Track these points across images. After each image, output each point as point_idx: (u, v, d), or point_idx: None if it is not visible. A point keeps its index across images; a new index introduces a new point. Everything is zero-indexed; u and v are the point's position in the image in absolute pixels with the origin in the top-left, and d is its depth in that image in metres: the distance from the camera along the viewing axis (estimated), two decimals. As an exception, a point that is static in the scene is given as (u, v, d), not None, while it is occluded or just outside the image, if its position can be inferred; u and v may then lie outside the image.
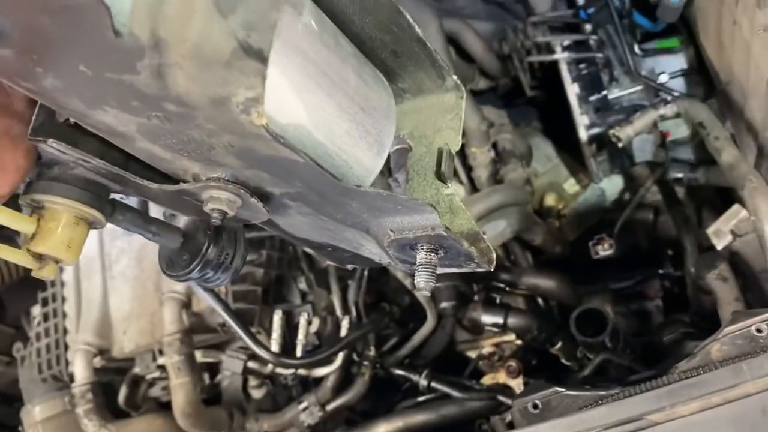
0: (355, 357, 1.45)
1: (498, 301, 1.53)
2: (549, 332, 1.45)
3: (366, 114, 0.54)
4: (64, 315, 1.52)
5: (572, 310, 1.39)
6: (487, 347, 1.56)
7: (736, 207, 1.24)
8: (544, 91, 1.86)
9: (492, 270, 0.62)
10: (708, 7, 1.30)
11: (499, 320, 1.45)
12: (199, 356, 1.44)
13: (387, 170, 0.62)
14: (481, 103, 1.74)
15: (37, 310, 1.60)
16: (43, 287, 1.59)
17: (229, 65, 0.38)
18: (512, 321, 1.45)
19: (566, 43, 1.63)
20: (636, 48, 1.51)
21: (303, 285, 1.50)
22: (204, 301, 1.33)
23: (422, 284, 0.57)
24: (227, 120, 0.41)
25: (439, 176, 0.62)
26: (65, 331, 1.50)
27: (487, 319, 1.45)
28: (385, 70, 0.60)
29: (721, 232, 1.27)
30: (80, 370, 1.42)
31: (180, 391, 1.32)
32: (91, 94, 0.43)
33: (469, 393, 1.39)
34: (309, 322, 1.41)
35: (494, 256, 0.62)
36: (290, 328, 1.43)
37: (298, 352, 1.36)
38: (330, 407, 1.43)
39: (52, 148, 0.50)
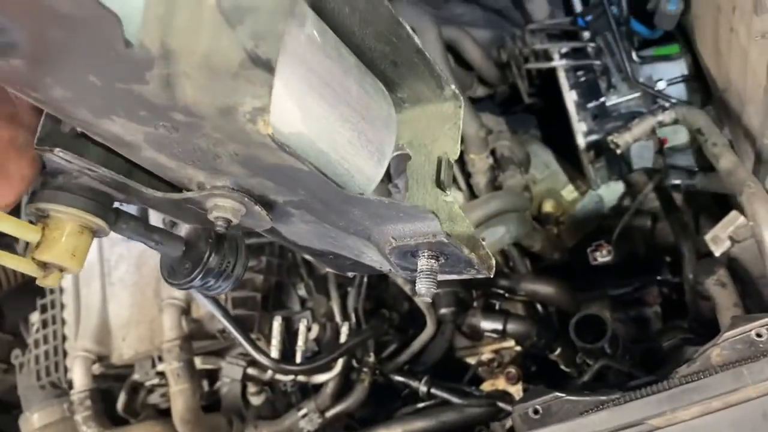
0: (354, 363, 1.45)
1: (497, 307, 1.54)
2: (548, 338, 1.45)
3: (367, 123, 0.55)
4: (63, 322, 1.51)
5: (571, 316, 1.40)
6: (486, 353, 1.56)
7: (733, 213, 1.25)
8: (542, 98, 1.87)
9: (491, 276, 0.63)
10: (705, 15, 1.31)
11: (499, 326, 1.45)
12: (199, 363, 1.44)
13: (387, 176, 0.62)
14: (479, 110, 1.75)
15: (35, 317, 1.59)
16: (41, 294, 1.59)
17: (237, 75, 0.38)
18: (511, 327, 1.45)
19: (564, 50, 1.64)
20: (634, 55, 1.52)
21: (302, 291, 1.50)
22: (204, 307, 1.33)
23: (424, 290, 0.58)
24: (234, 129, 0.41)
25: (439, 184, 0.62)
26: (64, 338, 1.50)
27: (487, 325, 1.45)
28: (385, 80, 0.61)
29: (719, 239, 1.27)
30: (79, 377, 1.41)
31: (179, 397, 1.32)
32: (99, 104, 0.43)
33: (468, 399, 1.39)
34: (308, 329, 1.41)
35: (494, 262, 0.62)
36: (289, 335, 1.44)
37: (298, 359, 1.36)
38: (329, 414, 1.43)
39: (57, 157, 0.51)
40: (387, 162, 0.59)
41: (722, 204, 1.65)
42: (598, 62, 1.57)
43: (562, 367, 1.52)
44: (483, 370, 1.55)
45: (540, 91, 1.86)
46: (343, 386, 1.42)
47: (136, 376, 1.47)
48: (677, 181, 1.63)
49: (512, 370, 1.49)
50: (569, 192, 1.86)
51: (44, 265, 0.56)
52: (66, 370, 1.47)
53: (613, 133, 1.46)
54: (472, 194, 1.63)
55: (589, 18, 1.55)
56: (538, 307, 1.61)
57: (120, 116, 0.43)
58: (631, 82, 1.52)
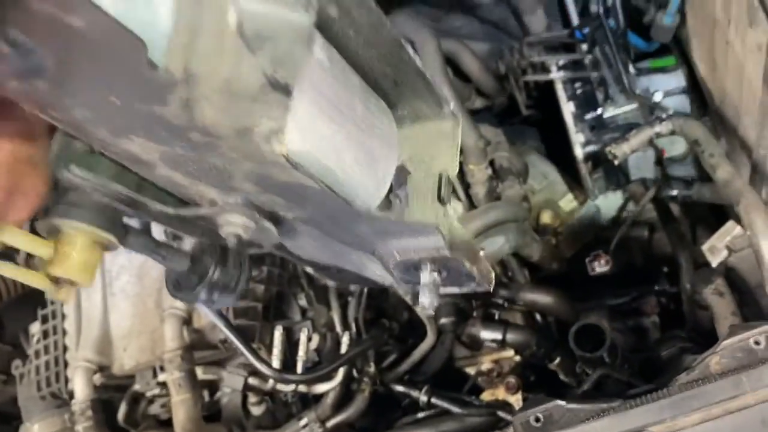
0: (354, 373, 1.45)
1: (497, 317, 1.55)
2: (548, 348, 1.46)
3: (372, 142, 0.56)
4: (64, 332, 1.52)
5: (570, 326, 1.41)
6: (486, 363, 1.57)
7: (730, 223, 1.26)
8: (540, 109, 1.89)
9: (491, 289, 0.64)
10: (701, 28, 1.33)
11: (498, 336, 1.46)
12: (200, 373, 1.44)
13: (388, 191, 0.64)
14: (477, 121, 1.77)
15: (35, 328, 1.60)
16: (42, 304, 1.59)
17: (256, 99, 0.39)
18: (511, 337, 1.46)
19: (561, 62, 1.66)
20: (630, 67, 1.54)
21: (303, 301, 1.50)
22: (205, 317, 1.33)
23: (427, 303, 0.59)
24: (249, 149, 0.43)
25: (440, 199, 0.64)
26: (65, 349, 1.50)
27: (486, 334, 1.46)
28: (386, 99, 0.63)
29: (715, 249, 1.28)
30: (80, 388, 1.41)
31: (181, 407, 1.32)
32: (119, 124, 0.44)
33: (468, 409, 1.40)
34: (309, 339, 1.42)
35: (493, 276, 0.64)
36: (290, 345, 1.44)
37: (299, 369, 1.36)
38: (330, 424, 1.43)
39: (72, 174, 0.52)
40: (391, 178, 0.60)
41: (719, 214, 1.67)
42: (595, 74, 1.59)
43: (561, 377, 1.53)
44: (482, 379, 1.56)
45: (537, 103, 1.88)
46: (343, 396, 1.43)
47: (137, 387, 1.48)
48: (674, 192, 1.64)
49: (512, 379, 1.50)
50: (567, 202, 1.87)
51: (56, 280, 0.57)
52: (67, 380, 1.47)
53: (611, 144, 1.47)
54: (471, 204, 1.64)
55: (586, 30, 1.57)
56: (537, 317, 1.62)
57: (138, 136, 0.44)
58: (628, 94, 1.54)
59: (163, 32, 0.35)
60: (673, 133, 1.26)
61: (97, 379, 1.46)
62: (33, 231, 0.59)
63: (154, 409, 1.56)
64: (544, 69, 1.70)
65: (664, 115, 1.48)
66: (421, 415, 1.43)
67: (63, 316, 1.53)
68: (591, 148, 1.60)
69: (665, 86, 1.54)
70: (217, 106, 0.39)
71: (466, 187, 1.64)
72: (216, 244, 0.86)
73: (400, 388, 1.46)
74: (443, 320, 1.45)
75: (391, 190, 0.64)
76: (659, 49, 1.54)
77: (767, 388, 0.77)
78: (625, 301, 1.80)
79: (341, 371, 1.39)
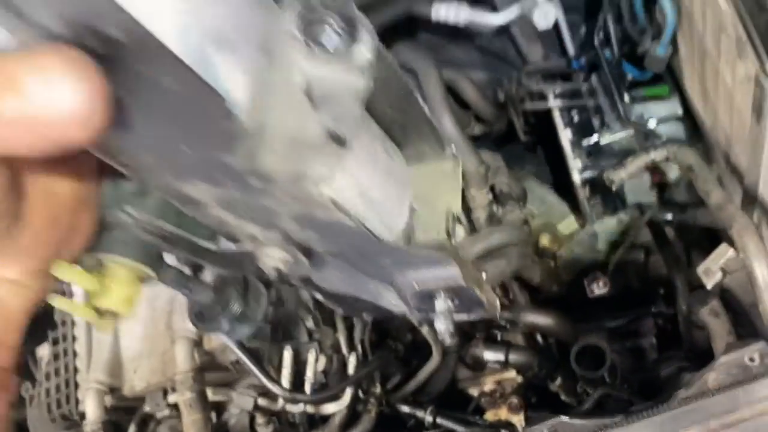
0: (361, 394, 1.48)
1: (499, 338, 1.58)
2: (549, 368, 1.50)
3: (392, 183, 0.61)
4: (75, 354, 1.54)
5: (570, 347, 1.44)
6: (488, 384, 1.60)
7: (723, 246, 1.31)
8: (537, 135, 1.95)
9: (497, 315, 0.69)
10: (692, 58, 1.39)
11: (501, 357, 1.50)
12: (209, 394, 1.47)
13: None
14: (476, 147, 1.82)
15: (45, 350, 1.62)
16: (52, 327, 1.62)
17: (315, 148, 0.43)
18: (513, 357, 1.50)
19: (559, 91, 1.72)
20: (626, 96, 1.60)
21: (310, 323, 1.54)
22: (217, 339, 1.37)
23: (443, 329, 0.63)
24: (299, 192, 0.46)
25: (448, 235, 0.68)
26: (76, 370, 1.53)
27: (489, 355, 1.50)
28: (394, 141, 0.67)
29: (710, 271, 1.33)
30: (92, 409, 1.44)
31: (192, 428, 1.35)
32: (184, 170, 0.47)
33: (473, 428, 1.43)
34: (316, 360, 1.45)
35: (498, 303, 0.68)
36: (297, 366, 1.47)
37: (307, 389, 1.39)
38: (337, 444, 1.45)
39: (125, 214, 0.56)
40: (407, 214, 0.64)
41: (712, 238, 1.72)
42: (591, 102, 1.65)
43: (563, 397, 1.56)
44: (485, 400, 1.59)
45: (534, 129, 1.93)
46: (350, 417, 1.45)
47: (146, 408, 1.50)
48: (669, 216, 1.69)
49: (515, 399, 1.53)
50: (565, 226, 1.92)
51: (100, 311, 0.61)
52: (77, 402, 1.50)
53: (608, 169, 1.53)
54: (473, 228, 1.68)
55: (582, 60, 1.63)
56: (538, 338, 1.66)
57: (200, 180, 0.48)
58: (623, 121, 1.60)
59: (240, 87, 0.39)
60: (667, 159, 1.31)
61: (108, 400, 1.49)
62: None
63: (163, 430, 1.58)
64: (542, 97, 1.76)
65: (658, 142, 1.54)
66: (426, 435, 1.47)
67: (74, 338, 1.56)
68: (588, 173, 1.66)
69: (659, 113, 1.60)
70: (280, 154, 0.42)
71: (468, 211, 1.69)
72: (239, 276, 0.90)
73: (405, 409, 1.49)
74: (446, 344, 1.48)
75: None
76: (653, 78, 1.60)
77: (762, 402, 0.81)
78: (623, 323, 1.85)
79: (349, 392, 1.42)
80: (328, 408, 1.46)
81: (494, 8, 1.63)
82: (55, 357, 1.58)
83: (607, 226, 1.93)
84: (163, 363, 1.46)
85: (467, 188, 1.65)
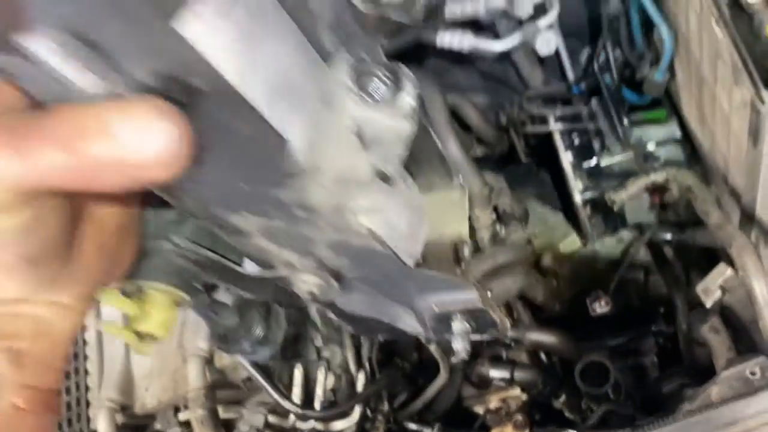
0: (368, 413, 1.51)
1: (504, 356, 1.61)
2: (553, 386, 1.53)
3: (411, 212, 0.65)
4: (86, 372, 1.57)
5: (573, 364, 1.47)
6: (494, 402, 1.63)
7: (722, 266, 1.35)
8: (538, 157, 2.00)
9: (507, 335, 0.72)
10: (689, 84, 1.44)
11: (506, 375, 1.53)
12: (220, 412, 1.49)
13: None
14: (479, 168, 1.86)
15: (56, 370, 1.64)
16: (63, 346, 1.64)
17: (361, 185, 0.47)
18: (519, 375, 1.53)
19: (559, 114, 1.77)
20: (625, 119, 1.65)
21: (318, 342, 1.56)
22: (229, 357, 1.39)
23: (461, 349, 0.67)
24: (340, 222, 0.50)
25: (458, 261, 0.72)
26: (87, 389, 1.55)
27: (495, 373, 1.53)
28: (407, 171, 0.72)
29: (709, 290, 1.37)
30: (103, 427, 1.46)
31: (204, 445, 1.37)
32: (236, 203, 0.50)
33: (480, 445, 1.46)
34: (325, 378, 1.48)
35: (508, 323, 0.72)
36: (305, 384, 1.49)
37: (317, 407, 1.42)
38: (345, 461, 1.48)
39: (168, 242, 0.59)
40: (424, 240, 0.68)
41: (710, 257, 1.76)
42: (591, 126, 1.69)
43: (567, 414, 1.59)
44: (491, 417, 1.61)
45: (535, 151, 1.98)
46: (358, 434, 1.48)
47: (158, 426, 1.52)
48: (668, 236, 1.73)
49: (520, 417, 1.55)
50: (566, 245, 1.96)
51: (140, 335, 0.64)
52: (89, 420, 1.52)
53: (608, 190, 1.57)
54: (477, 248, 1.72)
55: (583, 85, 1.68)
56: (542, 356, 1.69)
57: (249, 212, 0.51)
58: (623, 144, 1.65)
59: (299, 133, 0.43)
60: (667, 181, 1.36)
61: (119, 418, 1.51)
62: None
63: (172, 448, 1.60)
64: (543, 121, 1.81)
65: (657, 164, 1.59)
66: (433, 452, 1.49)
67: (85, 357, 1.59)
68: (589, 194, 1.70)
69: (658, 137, 1.65)
70: (328, 189, 0.46)
71: (472, 231, 1.73)
72: (262, 300, 0.94)
73: (412, 426, 1.51)
74: (454, 359, 1.51)
75: None
76: (652, 103, 1.65)
77: (764, 414, 0.85)
78: (624, 341, 1.88)
79: (358, 409, 1.44)
80: (337, 425, 1.48)
81: (497, 35, 1.68)
82: (67, 375, 1.60)
83: (608, 245, 1.98)
84: (174, 381, 1.49)
85: (471, 209, 1.69)
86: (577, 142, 1.73)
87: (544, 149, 1.92)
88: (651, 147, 1.63)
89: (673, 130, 1.64)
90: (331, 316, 0.78)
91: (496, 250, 1.57)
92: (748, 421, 0.84)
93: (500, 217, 1.73)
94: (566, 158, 1.74)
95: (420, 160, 0.68)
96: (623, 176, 1.62)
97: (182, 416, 1.49)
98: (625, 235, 1.89)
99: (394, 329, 0.76)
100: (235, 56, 0.36)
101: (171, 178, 0.37)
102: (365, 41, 0.48)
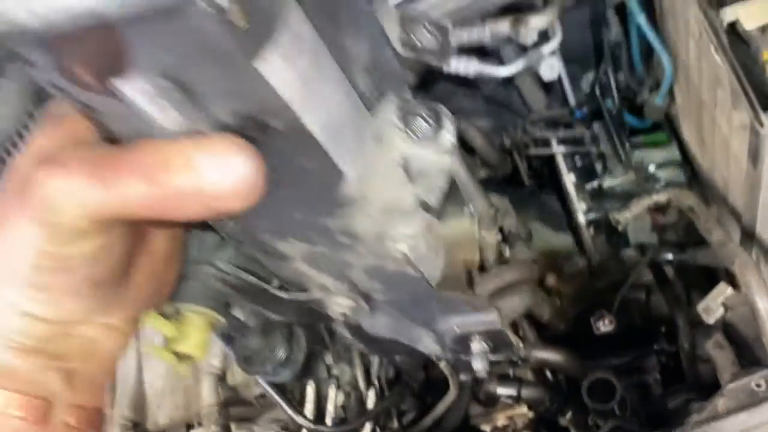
0: (378, 430, 1.53)
1: (511, 374, 1.64)
2: (560, 403, 1.55)
3: (434, 239, 0.68)
4: (100, 391, 1.58)
5: (578, 382, 1.50)
6: (500, 420, 1.65)
7: (722, 285, 1.39)
8: (541, 178, 2.04)
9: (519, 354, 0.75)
10: (689, 108, 1.49)
11: (514, 392, 1.55)
12: (233, 429, 1.51)
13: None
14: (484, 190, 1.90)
15: (67, 389, 1.66)
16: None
17: (405, 214, 0.51)
18: (526, 393, 1.55)
19: (562, 137, 1.82)
20: (626, 143, 1.70)
21: (329, 360, 1.59)
22: (243, 375, 1.42)
23: (480, 368, 0.70)
24: (380, 248, 0.53)
25: (470, 285, 0.75)
26: (100, 407, 1.57)
27: (503, 391, 1.55)
28: None
29: (710, 309, 1.41)
30: (117, 444, 1.48)
31: (217, 461, 1.39)
32: (286, 231, 0.53)
33: (488, 462, 1.48)
34: (336, 395, 1.50)
35: (521, 344, 0.75)
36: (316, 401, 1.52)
37: (328, 423, 1.44)
38: (355, 478, 1.49)
39: (212, 266, 0.62)
40: (441, 267, 0.71)
41: (710, 277, 1.80)
42: (594, 148, 1.74)
43: (573, 431, 1.61)
44: (498, 435, 1.64)
45: (537, 173, 2.03)
46: (368, 452, 1.50)
47: (170, 443, 1.54)
48: (669, 256, 1.77)
49: (527, 434, 1.58)
50: (569, 266, 2.00)
51: (178, 355, 0.67)
52: (102, 438, 1.53)
53: (611, 211, 1.62)
54: (482, 268, 1.75)
55: (585, 109, 1.73)
56: (548, 373, 1.72)
57: (296, 239, 0.54)
58: (624, 166, 1.69)
59: (353, 166, 0.46)
60: (669, 201, 1.40)
61: (131, 436, 1.53)
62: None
63: (184, 466, 1.61)
64: (546, 143, 1.85)
65: (658, 186, 1.64)
66: (442, 469, 1.51)
67: (98, 376, 1.61)
68: (592, 215, 1.74)
69: (658, 159, 1.69)
70: (373, 218, 0.50)
71: (479, 251, 1.76)
72: (286, 322, 0.96)
73: (421, 443, 1.53)
74: (463, 376, 1.54)
75: None
76: (652, 126, 1.70)
77: (769, 424, 0.88)
78: (627, 360, 1.91)
79: (368, 426, 1.47)
80: (348, 442, 1.50)
81: (500, 60, 1.73)
82: (79, 394, 1.62)
83: (609, 265, 2.01)
84: (187, 398, 1.51)
85: (478, 229, 1.73)
86: (579, 164, 1.78)
87: (546, 171, 1.97)
88: (652, 169, 1.68)
89: (673, 152, 1.68)
90: (350, 337, 0.81)
91: (502, 269, 1.60)
92: (754, 431, 0.87)
93: (505, 238, 1.77)
94: (569, 180, 1.78)
95: None
96: (625, 197, 1.66)
97: (195, 433, 1.51)
98: (628, 255, 1.93)
99: (413, 351, 0.78)
100: (303, 97, 0.40)
101: (244, 208, 0.41)
102: (397, 81, 0.52)
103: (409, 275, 0.58)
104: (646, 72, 1.58)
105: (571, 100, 1.84)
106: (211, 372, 1.47)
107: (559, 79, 1.79)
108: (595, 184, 1.75)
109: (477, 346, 0.70)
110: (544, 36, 1.62)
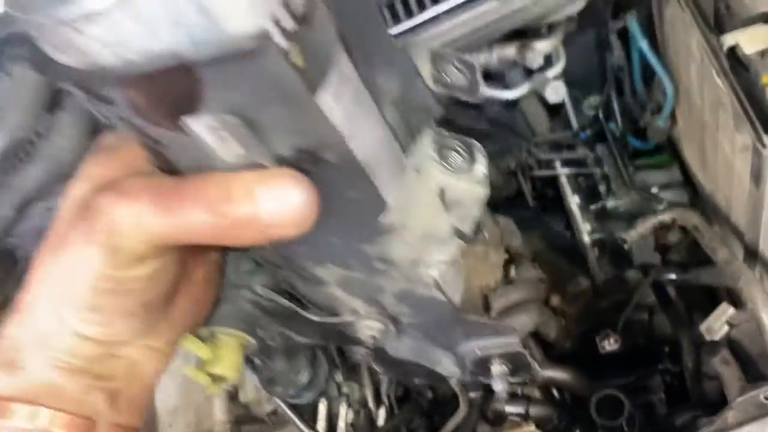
0: (387, 448, 1.54)
1: (519, 392, 1.65)
2: (568, 421, 1.56)
3: (458, 264, 0.71)
4: (111, 410, 1.59)
5: (585, 400, 1.51)
6: (508, 438, 1.66)
7: (724, 305, 1.42)
8: (545, 200, 2.08)
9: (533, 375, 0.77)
10: (691, 130, 1.53)
11: (522, 410, 1.57)
12: (245, 446, 1.53)
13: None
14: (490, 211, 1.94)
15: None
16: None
17: (440, 242, 0.53)
18: (534, 411, 1.57)
19: (566, 159, 1.85)
20: (629, 164, 1.73)
21: (339, 378, 1.60)
22: (255, 392, 1.43)
23: (500, 389, 0.72)
24: (412, 273, 0.55)
25: (487, 309, 0.78)
26: (111, 426, 1.58)
27: (511, 409, 1.57)
28: None
29: (712, 329, 1.43)
30: (129, 462, 1.48)
31: (230, 478, 1.40)
32: (324, 256, 0.55)
33: (497, 480, 1.49)
34: (346, 412, 1.51)
35: (535, 365, 0.77)
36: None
37: (339, 440, 1.45)
38: (364, 497, 1.50)
39: (252, 292, 0.64)
40: (462, 291, 0.74)
41: (711, 298, 1.82)
42: (597, 170, 1.78)
43: (580, 450, 1.62)
44: (505, 454, 1.64)
45: (541, 194, 2.06)
46: (378, 469, 1.51)
47: (181, 461, 1.54)
48: (672, 276, 1.80)
49: (535, 452, 1.59)
50: (573, 286, 2.02)
51: (213, 377, 0.68)
52: (113, 456, 1.54)
53: (616, 231, 1.65)
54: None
55: (588, 132, 1.77)
56: (554, 392, 1.73)
57: (334, 264, 0.55)
58: (628, 187, 1.73)
59: (394, 195, 0.49)
60: (674, 221, 1.43)
61: (143, 455, 1.53)
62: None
63: (194, 485, 1.62)
64: (550, 165, 1.89)
65: (661, 206, 1.67)
66: (451, 487, 1.52)
67: (109, 395, 1.62)
68: (597, 235, 1.77)
69: (660, 180, 1.73)
70: (409, 246, 0.52)
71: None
72: (309, 345, 0.97)
73: (431, 461, 1.54)
74: (472, 394, 1.55)
75: None
76: (654, 148, 1.74)
77: (779, 435, 0.90)
78: (632, 380, 1.92)
79: (379, 444, 1.48)
80: (358, 460, 1.51)
81: (504, 83, 1.77)
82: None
83: (613, 284, 2.03)
84: (199, 416, 1.52)
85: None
86: (583, 185, 1.81)
87: (550, 192, 2.01)
88: (654, 190, 1.71)
89: (675, 174, 1.72)
90: (370, 359, 0.82)
91: (508, 289, 1.63)
92: (764, 441, 0.89)
93: (512, 258, 1.80)
94: (574, 201, 1.82)
95: None
96: (629, 218, 1.69)
97: (206, 452, 1.52)
98: (632, 275, 1.95)
99: (432, 373, 0.79)
100: (350, 131, 0.43)
101: (296, 236, 0.44)
102: (424, 114, 0.55)
103: (436, 299, 0.60)
104: (648, 95, 1.63)
105: (574, 123, 1.88)
106: (223, 389, 1.48)
107: (562, 102, 1.84)
108: (599, 204, 1.78)
109: (497, 368, 0.71)
110: (548, 60, 1.67)
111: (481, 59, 1.60)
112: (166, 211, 0.44)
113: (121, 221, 0.44)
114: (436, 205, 0.53)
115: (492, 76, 1.73)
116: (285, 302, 0.66)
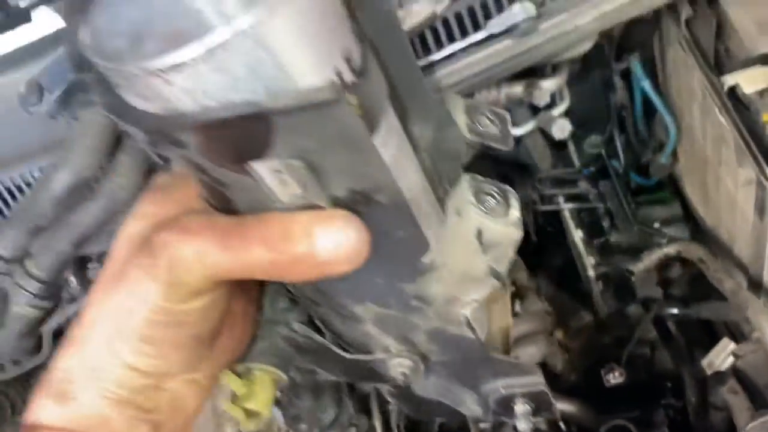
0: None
1: (527, 423, 1.66)
2: (576, 452, 1.57)
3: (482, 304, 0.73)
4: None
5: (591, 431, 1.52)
6: (516, 470, 1.66)
7: (725, 340, 1.46)
8: (547, 234, 2.11)
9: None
10: (693, 166, 1.59)
11: (530, 441, 1.57)
12: (255, 476, 1.52)
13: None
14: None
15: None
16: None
17: (476, 281, 0.56)
18: (542, 442, 1.58)
19: (569, 195, 1.90)
20: (631, 200, 1.78)
21: (350, 410, 1.61)
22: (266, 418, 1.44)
23: (524, 429, 0.73)
24: (446, 312, 0.57)
25: (507, 349, 0.80)
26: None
27: (520, 439, 1.57)
28: None
29: (713, 364, 1.46)
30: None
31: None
32: (363, 295, 0.57)
33: None
34: (357, 444, 1.52)
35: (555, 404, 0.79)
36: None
37: (350, 471, 1.45)
38: None
39: (288, 329, 0.66)
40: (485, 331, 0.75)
41: (711, 333, 1.85)
42: (600, 205, 1.83)
43: (588, 482, 1.63)
44: (513, 485, 1.64)
45: (544, 229, 2.10)
46: (390, 500, 1.51)
47: (191, 493, 1.53)
48: (674, 310, 1.83)
49: (543, 484, 1.59)
50: (576, 320, 2.05)
51: (247, 412, 0.70)
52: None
53: (621, 264, 1.68)
54: (496, 320, 1.80)
55: (591, 168, 1.82)
56: (561, 424, 1.74)
57: (372, 302, 0.57)
58: (630, 222, 1.77)
59: (436, 236, 0.52)
60: (679, 253, 1.47)
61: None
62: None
63: None
64: (553, 201, 1.94)
65: (664, 240, 1.71)
66: None
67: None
68: (602, 269, 1.81)
69: (662, 215, 1.78)
70: (447, 286, 0.54)
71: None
72: (336, 383, 0.98)
73: (441, 493, 1.54)
74: (482, 425, 1.56)
75: None
76: (656, 184, 1.79)
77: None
78: (636, 415, 1.93)
79: (391, 474, 1.48)
80: (369, 490, 1.51)
81: (513, 122, 1.83)
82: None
83: (616, 318, 2.06)
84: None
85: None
86: (587, 220, 1.85)
87: (552, 227, 2.04)
88: (656, 225, 1.76)
89: (676, 209, 1.77)
90: (392, 398, 0.83)
91: (515, 322, 1.65)
92: (778, 463, 0.91)
93: (518, 291, 1.83)
94: (577, 236, 1.86)
95: None
96: (632, 252, 1.73)
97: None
98: (632, 311, 1.98)
99: (454, 412, 0.79)
100: (400, 175, 0.46)
101: (347, 273, 0.47)
102: (452, 161, 0.60)
103: (466, 338, 0.61)
104: (650, 133, 1.68)
105: (576, 160, 1.94)
106: (233, 419, 1.48)
107: (566, 140, 1.89)
108: (602, 239, 1.82)
109: (521, 407, 0.71)
110: (552, 99, 1.72)
111: (490, 97, 1.65)
112: (228, 249, 0.46)
113: (185, 257, 0.47)
114: (474, 246, 0.55)
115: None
116: (320, 339, 0.66)
